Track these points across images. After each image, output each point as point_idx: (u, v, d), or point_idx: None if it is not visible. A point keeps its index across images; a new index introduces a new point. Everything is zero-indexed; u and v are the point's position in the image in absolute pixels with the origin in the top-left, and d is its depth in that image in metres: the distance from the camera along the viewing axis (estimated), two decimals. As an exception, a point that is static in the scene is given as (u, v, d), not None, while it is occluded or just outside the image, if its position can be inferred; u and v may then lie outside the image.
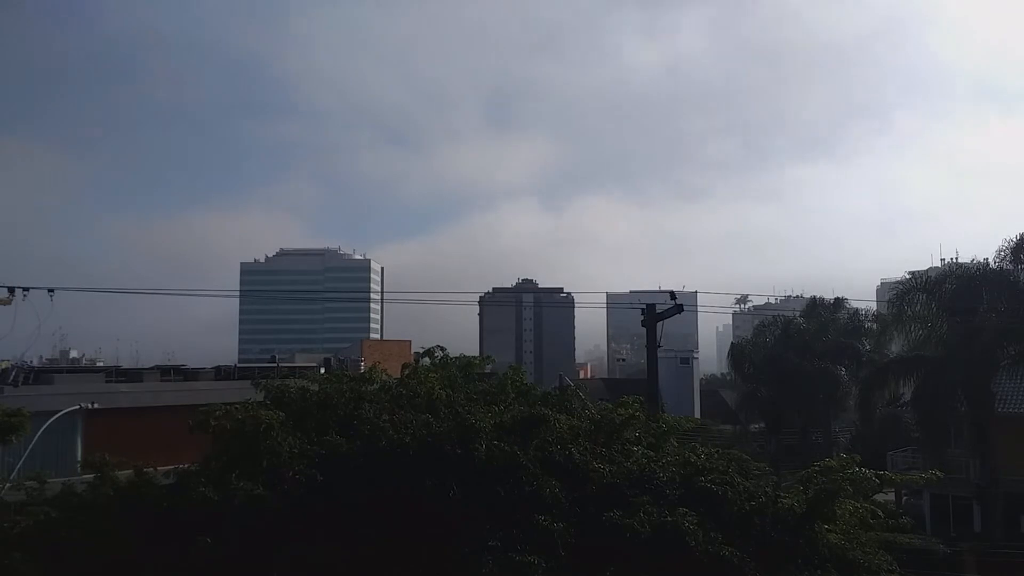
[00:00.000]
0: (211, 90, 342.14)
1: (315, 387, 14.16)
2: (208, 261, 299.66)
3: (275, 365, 30.86)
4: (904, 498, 41.43)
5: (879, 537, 13.21)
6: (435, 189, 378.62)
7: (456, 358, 18.21)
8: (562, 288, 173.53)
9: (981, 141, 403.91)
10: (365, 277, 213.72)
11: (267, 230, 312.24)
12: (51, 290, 17.30)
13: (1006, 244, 33.96)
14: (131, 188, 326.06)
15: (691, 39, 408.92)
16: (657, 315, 23.94)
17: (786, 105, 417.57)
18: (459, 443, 11.65)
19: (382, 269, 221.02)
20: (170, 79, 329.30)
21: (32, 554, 10.75)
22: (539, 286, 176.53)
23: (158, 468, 12.60)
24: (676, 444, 15.02)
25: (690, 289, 74.53)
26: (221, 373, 29.01)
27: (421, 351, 18.56)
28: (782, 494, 12.54)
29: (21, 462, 17.52)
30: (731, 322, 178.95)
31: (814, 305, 51.18)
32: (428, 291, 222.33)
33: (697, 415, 36.93)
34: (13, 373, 22.81)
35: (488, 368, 19.93)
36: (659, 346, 24.18)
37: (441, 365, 17.63)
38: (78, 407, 21.34)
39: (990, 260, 34.43)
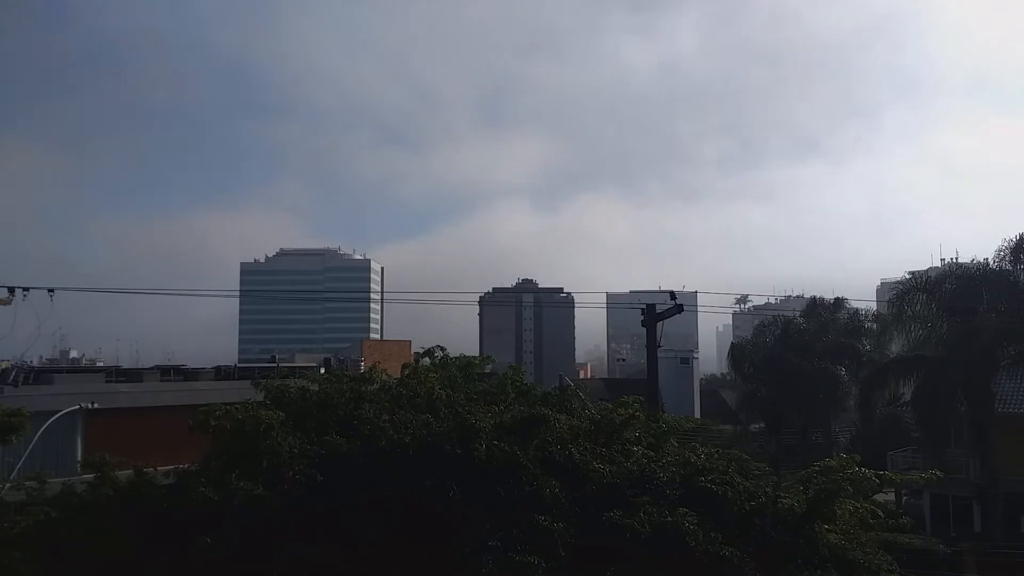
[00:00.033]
0: (211, 90, 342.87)
1: (315, 387, 14.16)
2: (208, 261, 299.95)
3: (275, 365, 30.86)
4: (904, 498, 41.43)
5: (879, 537, 13.21)
6: (434, 189, 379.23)
7: (456, 358, 18.21)
8: (562, 288, 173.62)
9: (980, 141, 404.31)
10: (365, 277, 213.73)
11: (267, 230, 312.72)
12: (51, 290, 17.30)
13: (1006, 244, 34.01)
14: (131, 188, 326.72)
15: (688, 39, 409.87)
16: (657, 315, 23.94)
17: (783, 105, 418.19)
18: (459, 443, 11.65)
19: (382, 269, 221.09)
20: (169, 79, 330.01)
21: (32, 554, 10.75)
22: (539, 286, 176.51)
23: (158, 468, 12.60)
24: (676, 444, 15.01)
25: (690, 289, 74.51)
26: (221, 373, 29.02)
27: (421, 351, 18.56)
28: (782, 494, 12.54)
29: (21, 462, 17.51)
30: (731, 322, 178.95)
31: (814, 305, 51.21)
32: (428, 291, 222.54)
33: (697, 415, 36.89)
34: (13, 373, 22.82)
35: (488, 368, 19.93)
36: (659, 346, 24.17)
37: (441, 365, 17.63)
38: (78, 407, 21.34)
39: (990, 260, 34.48)
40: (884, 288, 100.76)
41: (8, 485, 14.35)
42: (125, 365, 38.07)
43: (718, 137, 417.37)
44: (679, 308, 23.93)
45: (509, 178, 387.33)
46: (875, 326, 46.26)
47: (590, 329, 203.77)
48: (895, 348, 42.02)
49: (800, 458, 32.22)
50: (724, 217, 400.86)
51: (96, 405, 21.70)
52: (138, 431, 19.64)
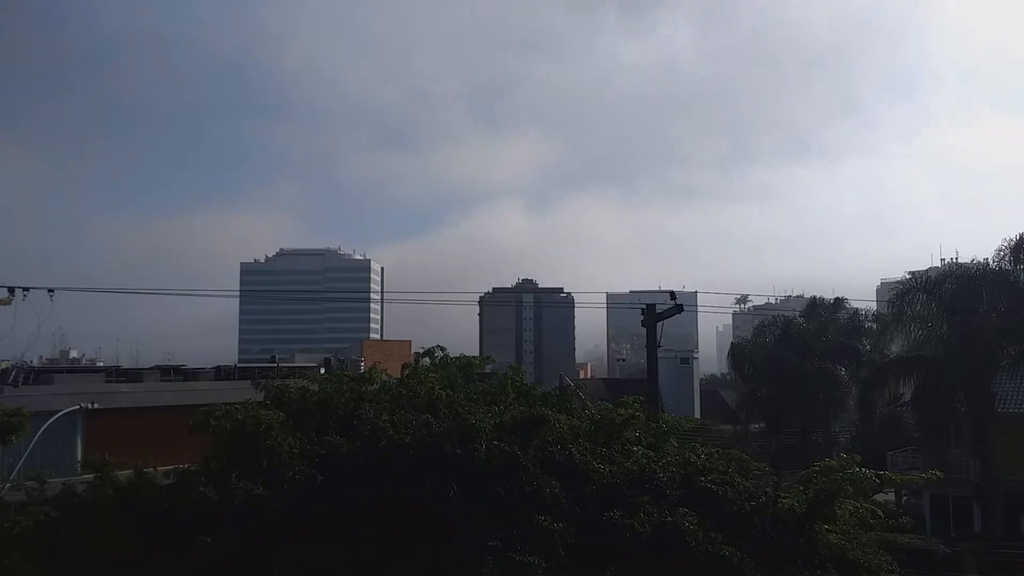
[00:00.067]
0: (210, 90, 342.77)
1: (315, 387, 14.16)
2: (208, 261, 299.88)
3: (275, 365, 30.87)
4: (904, 498, 41.43)
5: (879, 537, 13.21)
6: (434, 189, 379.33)
7: (456, 358, 18.22)
8: (562, 288, 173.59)
9: (980, 140, 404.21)
10: (365, 277, 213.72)
11: (267, 230, 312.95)
12: (51, 290, 17.32)
13: (1006, 244, 33.99)
14: (131, 188, 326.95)
15: (685, 39, 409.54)
16: (657, 315, 23.93)
17: (782, 105, 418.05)
18: (459, 443, 11.65)
19: (382, 269, 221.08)
20: (169, 79, 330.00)
21: (32, 554, 10.75)
22: (539, 286, 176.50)
23: (158, 468, 12.60)
24: (676, 444, 15.01)
25: (690, 289, 74.78)
26: (221, 373, 29.02)
27: (421, 351, 18.57)
28: (782, 494, 12.54)
29: (21, 462, 17.52)
30: (731, 322, 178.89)
31: (814, 305, 51.21)
32: (428, 291, 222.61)
33: (697, 415, 36.90)
34: (13, 373, 22.82)
35: (488, 368, 19.95)
36: (659, 346, 24.17)
37: (441, 365, 17.64)
38: (78, 407, 21.34)
39: (990, 260, 34.46)
40: (884, 288, 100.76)
41: (8, 485, 14.35)
42: (125, 365, 38.05)
43: (717, 137, 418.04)
44: (679, 308, 23.93)
45: (509, 178, 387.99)
46: (875, 326, 46.27)
47: (590, 329, 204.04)
48: (895, 348, 42.04)
49: (800, 458, 32.22)
50: (724, 217, 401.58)
51: (96, 405, 21.70)
52: (138, 431, 19.63)
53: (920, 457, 37.71)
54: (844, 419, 49.17)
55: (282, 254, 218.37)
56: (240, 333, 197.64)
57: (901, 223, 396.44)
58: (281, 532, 10.51)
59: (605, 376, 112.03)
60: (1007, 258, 33.88)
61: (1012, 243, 33.68)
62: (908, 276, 41.36)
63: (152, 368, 30.84)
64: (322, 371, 25.19)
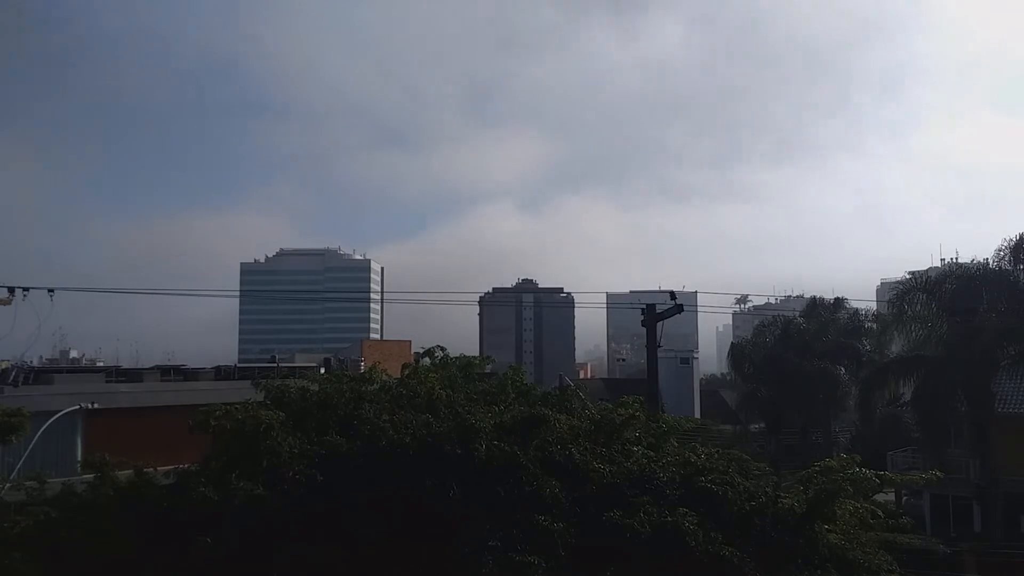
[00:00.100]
0: (210, 90, 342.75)
1: (315, 387, 14.16)
2: (208, 261, 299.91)
3: (275, 365, 30.87)
4: (904, 498, 41.42)
5: (879, 537, 13.21)
6: (433, 189, 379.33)
7: (456, 358, 18.22)
8: (562, 288, 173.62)
9: (978, 140, 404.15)
10: (365, 277, 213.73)
11: (266, 230, 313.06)
12: (51, 290, 17.31)
13: (1006, 244, 34.01)
14: (131, 188, 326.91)
15: (679, 39, 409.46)
16: (657, 315, 23.93)
17: (777, 104, 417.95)
18: (459, 443, 11.64)
19: (382, 269, 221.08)
20: (169, 79, 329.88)
21: (32, 554, 10.75)
22: (539, 286, 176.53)
23: (158, 468, 12.60)
24: (676, 444, 15.01)
25: (690, 289, 74.92)
26: (221, 373, 29.02)
27: (421, 351, 18.57)
28: (782, 494, 12.54)
29: (21, 462, 17.51)
30: (731, 322, 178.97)
31: (814, 305, 51.21)
32: (428, 291, 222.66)
33: (697, 415, 36.90)
34: (13, 373, 22.81)
35: (488, 368, 19.95)
36: (659, 346, 24.16)
37: (441, 365, 17.64)
38: (78, 407, 21.34)
39: (990, 260, 34.47)
40: (884, 288, 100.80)
41: (8, 485, 14.35)
42: (125, 365, 38.06)
43: (717, 137, 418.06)
44: (679, 308, 23.92)
45: (509, 178, 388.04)
46: (875, 326, 46.26)
47: (590, 329, 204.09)
48: (895, 348, 42.03)
49: (800, 458, 32.20)
50: (724, 217, 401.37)
51: (96, 405, 21.70)
52: (138, 431, 19.62)
53: (920, 457, 37.72)
54: (844, 419, 49.19)
55: (282, 254, 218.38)
56: (240, 333, 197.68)
57: (900, 223, 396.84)
58: (281, 532, 10.51)
59: (605, 376, 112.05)
60: (1007, 258, 33.90)
61: (1012, 243, 33.71)
62: (908, 276, 41.39)
63: (152, 368, 30.85)
64: (322, 371, 25.18)
